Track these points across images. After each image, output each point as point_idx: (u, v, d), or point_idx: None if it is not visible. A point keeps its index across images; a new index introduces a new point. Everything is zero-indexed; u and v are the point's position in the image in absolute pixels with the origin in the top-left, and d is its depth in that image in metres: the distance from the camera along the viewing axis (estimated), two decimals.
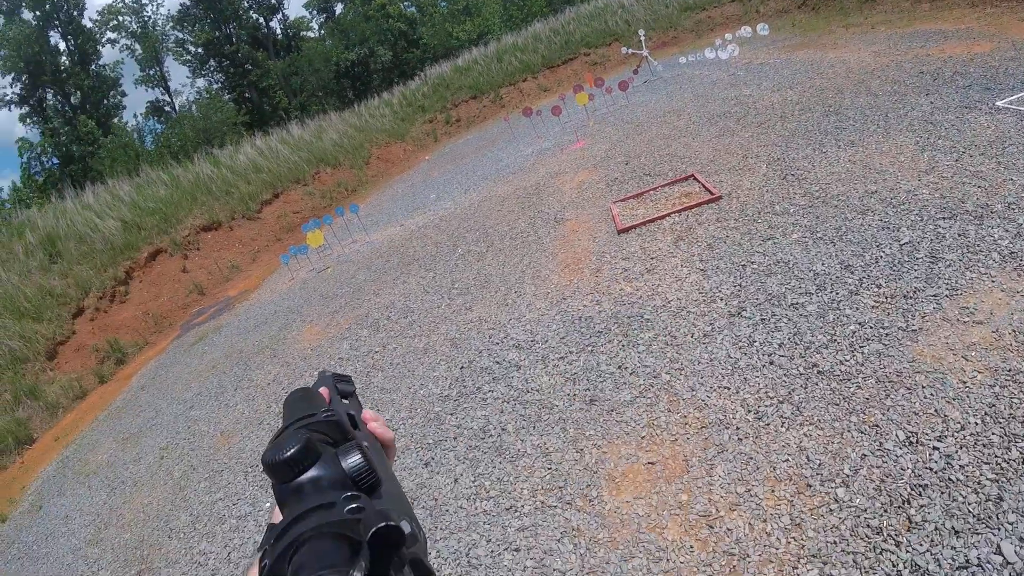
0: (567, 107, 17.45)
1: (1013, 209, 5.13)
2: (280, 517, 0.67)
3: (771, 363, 4.45)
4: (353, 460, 0.67)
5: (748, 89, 12.08)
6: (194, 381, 9.89)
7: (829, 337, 4.46)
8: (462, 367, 6.31)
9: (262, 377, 8.63)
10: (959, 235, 5.04)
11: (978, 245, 4.83)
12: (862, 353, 4.19)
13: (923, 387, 3.75)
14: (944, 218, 5.34)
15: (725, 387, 4.41)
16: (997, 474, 3.09)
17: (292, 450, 0.65)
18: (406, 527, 0.58)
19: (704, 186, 8.01)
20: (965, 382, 3.68)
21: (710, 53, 16.94)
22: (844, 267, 5.18)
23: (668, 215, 7.64)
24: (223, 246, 18.75)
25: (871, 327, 4.39)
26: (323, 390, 0.88)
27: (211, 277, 17.11)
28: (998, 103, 7.24)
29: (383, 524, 0.56)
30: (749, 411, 4.12)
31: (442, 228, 11.75)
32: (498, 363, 6.03)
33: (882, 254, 5.15)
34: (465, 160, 18.84)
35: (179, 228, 18.57)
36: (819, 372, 4.18)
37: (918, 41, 11.14)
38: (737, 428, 4.03)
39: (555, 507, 4.07)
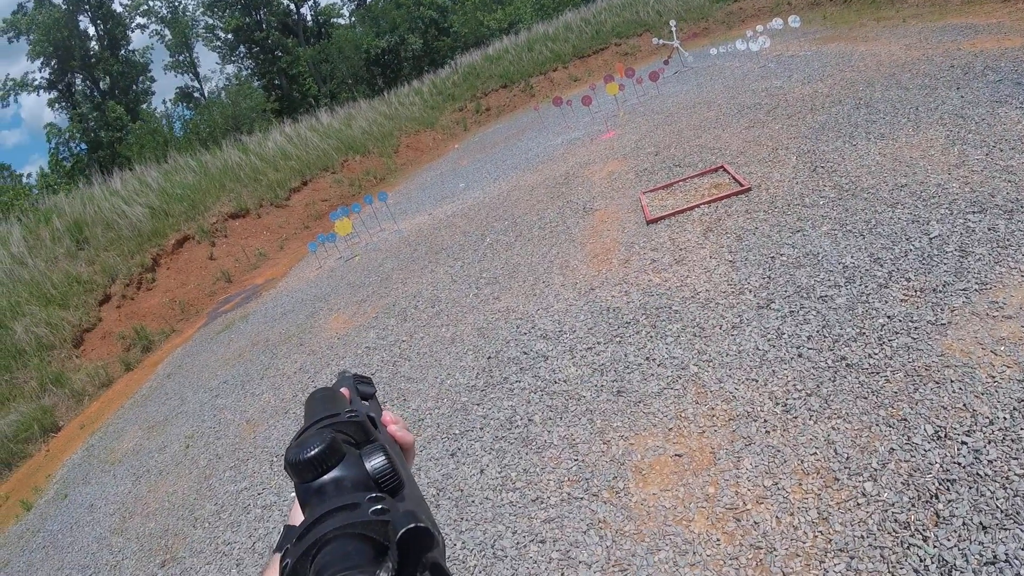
0: (597, 97, 17.41)
1: None
2: (299, 518, 0.71)
3: (799, 355, 4.46)
4: (377, 462, 0.67)
5: (778, 81, 11.99)
6: (220, 369, 10.04)
7: (858, 330, 4.46)
8: (489, 357, 6.37)
9: (288, 366, 8.74)
10: (989, 229, 5.01)
11: (1008, 240, 4.80)
12: (891, 346, 4.20)
13: (952, 381, 3.75)
14: (974, 212, 5.30)
15: (753, 379, 4.43)
16: None
17: (316, 449, 0.65)
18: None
19: (734, 177, 8.00)
20: (994, 376, 3.68)
21: (741, 45, 16.83)
22: (873, 260, 5.17)
23: (697, 206, 7.64)
24: (251, 233, 18.91)
25: (900, 320, 4.39)
26: (344, 390, 0.89)
27: (238, 264, 17.26)
28: None
29: (412, 525, 0.57)
30: (777, 403, 4.14)
31: (471, 217, 11.81)
32: (525, 353, 6.09)
33: (912, 247, 5.13)
34: (495, 149, 18.87)
35: (206, 215, 18.76)
36: (847, 365, 4.19)
37: (949, 35, 11.01)
38: (765, 421, 4.05)
39: (581, 499, 4.11)
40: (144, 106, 45.08)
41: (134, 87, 44.88)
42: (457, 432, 5.44)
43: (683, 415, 4.40)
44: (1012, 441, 3.26)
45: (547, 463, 4.57)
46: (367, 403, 0.91)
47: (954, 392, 3.68)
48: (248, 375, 9.14)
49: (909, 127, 7.50)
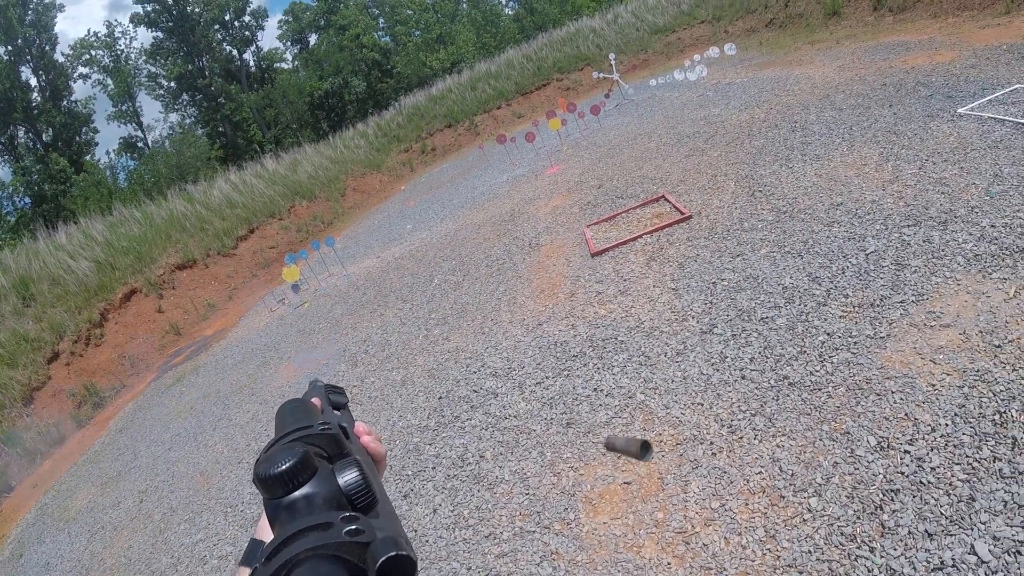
0: (540, 133, 17.53)
1: (976, 213, 5.23)
2: (266, 532, 0.68)
3: (743, 377, 4.48)
4: (350, 477, 0.65)
5: (716, 109, 12.20)
6: (172, 422, 9.80)
7: (799, 349, 4.51)
8: (440, 397, 6.30)
9: (240, 416, 8.58)
10: (924, 241, 5.13)
11: (943, 250, 4.92)
12: (831, 363, 4.24)
13: (893, 392, 3.80)
14: (909, 225, 5.43)
15: (699, 403, 4.44)
16: (968, 474, 3.14)
17: (287, 464, 0.63)
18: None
19: (675, 206, 8.09)
20: (934, 385, 3.74)
21: (679, 75, 17.02)
22: (812, 279, 5.25)
23: (640, 236, 7.71)
24: (199, 284, 18.53)
25: (840, 337, 4.45)
26: (315, 400, 0.86)
27: (187, 316, 16.90)
28: (960, 110, 7.38)
29: (394, 554, 0.55)
30: (722, 425, 4.14)
31: (418, 258, 11.75)
32: (475, 391, 6.03)
33: (849, 264, 5.22)
34: (441, 189, 18.86)
35: (153, 267, 18.33)
36: (790, 384, 4.22)
37: (881, 54, 11.32)
38: (711, 443, 4.05)
39: (533, 532, 4.06)
40: (88, 157, 44.13)
41: (77, 138, 43.95)
42: (410, 473, 5.35)
43: None
44: (954, 447, 3.30)
45: (499, 499, 4.51)
46: (339, 413, 0.88)
47: (895, 403, 3.72)
48: (201, 427, 8.95)
49: (844, 147, 7.68)
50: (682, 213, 7.72)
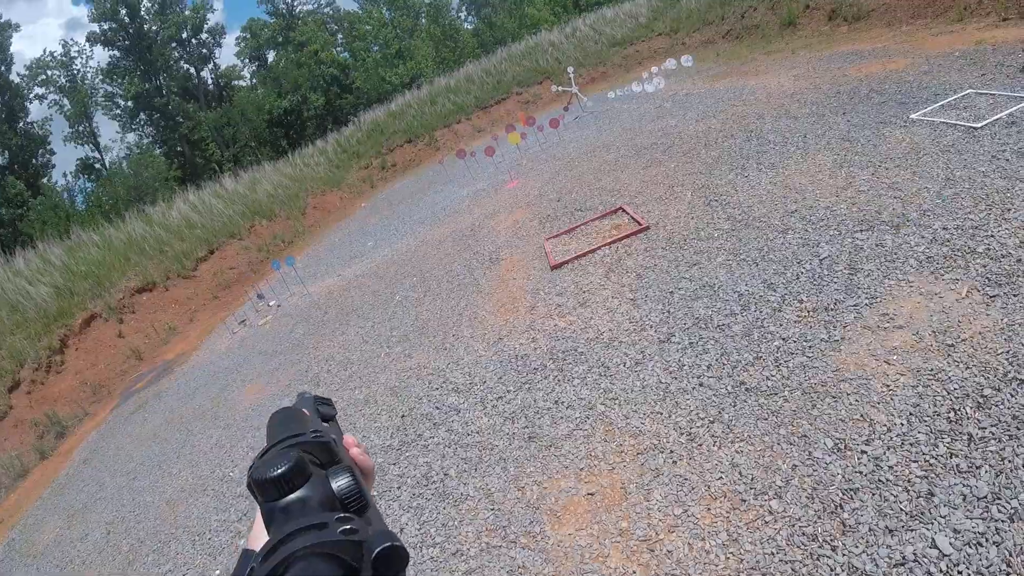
0: (500, 147, 17.54)
1: (928, 216, 5.33)
2: (258, 542, 0.67)
3: (701, 385, 4.51)
4: (344, 482, 0.67)
5: (673, 120, 12.30)
6: (136, 450, 9.57)
7: (755, 355, 4.55)
8: (403, 415, 6.24)
9: (204, 442, 8.42)
10: (876, 245, 5.21)
11: (895, 253, 5.01)
12: (787, 367, 4.28)
13: (848, 395, 3.85)
14: (862, 230, 5.51)
15: (658, 412, 4.45)
16: (926, 471, 3.18)
17: (282, 468, 0.65)
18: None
19: (633, 217, 8.14)
20: (888, 385, 3.79)
21: (637, 87, 17.21)
22: (767, 286, 5.32)
23: (599, 248, 7.74)
24: (159, 307, 18.11)
25: (795, 341, 4.50)
26: (303, 411, 0.87)
27: (148, 341, 16.50)
28: (912, 116, 7.53)
29: (389, 544, 0.58)
30: (682, 433, 4.16)
31: (380, 275, 11.67)
32: (438, 408, 5.99)
33: (803, 270, 5.29)
34: (402, 205, 18.74)
35: (113, 291, 17.90)
36: (747, 389, 4.25)
37: (836, 63, 11.49)
38: (671, 451, 4.06)
39: (500, 547, 4.03)
40: (45, 180, 43.23)
41: (34, 161, 43.07)
42: (375, 494, 5.20)
43: (593, 454, 4.38)
44: (911, 445, 3.35)
45: (465, 515, 4.47)
46: (327, 425, 0.91)
47: (851, 404, 3.77)
48: (165, 454, 8.76)
49: (798, 155, 7.79)
50: (640, 224, 7.77)
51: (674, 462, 3.98)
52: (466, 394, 5.98)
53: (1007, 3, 10.36)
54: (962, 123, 6.86)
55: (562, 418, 4.91)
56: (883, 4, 13.96)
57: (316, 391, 7.90)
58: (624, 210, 8.57)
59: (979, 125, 6.66)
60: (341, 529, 0.59)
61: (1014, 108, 6.77)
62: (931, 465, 3.21)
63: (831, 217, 5.95)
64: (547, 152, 15.12)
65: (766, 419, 3.95)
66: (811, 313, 4.73)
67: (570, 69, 20.63)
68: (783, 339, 4.58)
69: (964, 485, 3.04)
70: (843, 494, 3.27)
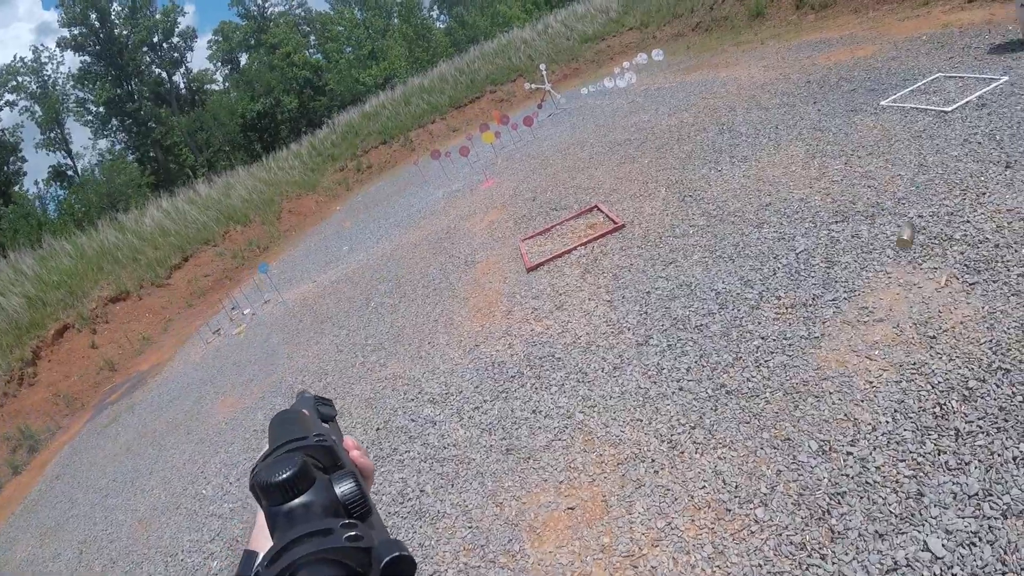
0: (475, 147, 17.42)
1: (903, 204, 5.26)
2: (259, 542, 0.70)
3: (680, 389, 4.40)
4: (347, 488, 0.67)
5: (646, 115, 12.22)
6: (109, 466, 9.38)
7: (734, 355, 4.45)
8: (378, 428, 6.08)
9: (177, 457, 8.24)
10: (852, 236, 5.13)
11: (872, 244, 4.93)
12: (767, 367, 4.18)
13: (830, 393, 3.75)
14: (837, 222, 5.43)
15: (638, 419, 4.33)
16: (914, 470, 3.09)
17: (287, 473, 0.65)
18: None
19: (608, 216, 8.03)
20: (871, 382, 3.70)
21: (609, 83, 17.14)
22: (744, 283, 5.21)
23: (574, 249, 7.62)
24: (133, 317, 17.86)
25: (774, 340, 4.40)
26: (304, 412, 0.85)
27: (122, 351, 16.25)
28: (882, 103, 7.49)
29: (398, 554, 0.58)
30: (663, 441, 4.04)
31: (355, 281, 11.50)
32: (413, 421, 5.83)
33: (779, 265, 5.20)
34: (377, 208, 18.55)
35: (86, 301, 17.68)
36: (727, 392, 4.15)
37: (804, 52, 11.47)
38: (652, 460, 3.94)
39: (478, 567, 3.90)
40: (16, 188, 42.48)
41: (5, 168, 42.32)
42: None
43: (572, 466, 4.25)
44: (897, 444, 3.25)
45: (442, 534, 4.33)
46: (327, 426, 0.91)
47: (834, 403, 3.67)
48: (137, 470, 8.58)
49: (770, 146, 7.72)
50: (615, 223, 7.66)
51: (656, 472, 3.85)
52: (442, 405, 5.83)
53: None
54: (932, 108, 6.81)
55: (540, 428, 4.78)
56: None
57: (289, 404, 7.71)
58: (599, 208, 8.46)
59: (949, 109, 6.62)
60: (346, 536, 0.59)
61: (983, 90, 6.74)
62: (919, 464, 3.11)
63: (806, 209, 5.87)
64: (521, 151, 15.00)
65: (748, 423, 3.84)
66: (790, 310, 4.63)
67: (542, 66, 20.48)
68: (762, 338, 4.47)
69: (954, 483, 2.95)
70: (830, 499, 3.17)
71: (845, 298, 4.47)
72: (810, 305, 4.57)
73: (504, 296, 7.42)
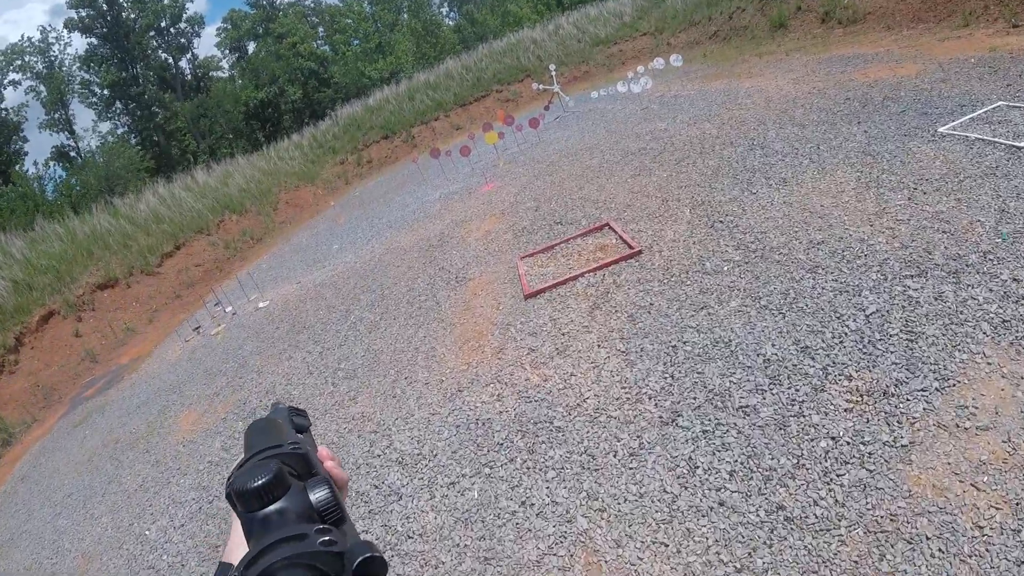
0: (476, 147, 16.54)
1: (990, 260, 4.22)
2: (235, 553, 0.68)
3: (721, 503, 3.27)
4: (322, 494, 0.68)
5: (663, 123, 11.32)
6: (69, 476, 8.63)
7: (795, 460, 3.33)
8: None
9: (131, 480, 7.40)
10: (935, 299, 4.06)
11: (961, 312, 3.86)
12: (840, 485, 3.09)
13: (928, 539, 2.69)
14: (912, 276, 4.37)
15: (661, 543, 3.20)
16: None
17: (263, 479, 0.66)
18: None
19: (621, 237, 6.94)
20: (980, 527, 2.64)
21: (622, 87, 16.54)
22: (801, 349, 4.09)
23: (581, 275, 6.51)
24: (119, 305, 17.20)
25: (848, 442, 3.30)
26: (278, 421, 0.87)
27: (105, 341, 15.59)
28: (940, 129, 6.62)
29: (369, 555, 0.59)
30: None
31: (339, 287, 10.51)
32: (377, 488, 4.72)
33: (846, 330, 4.09)
34: (373, 205, 17.71)
35: (73, 287, 17.00)
36: (787, 519, 3.04)
37: (837, 66, 10.75)
38: None
39: None
40: (17, 168, 41.47)
41: (7, 148, 41.33)
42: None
43: None
44: None
45: None
46: (302, 436, 0.89)
47: (933, 557, 2.62)
48: (92, 489, 7.77)
49: (813, 169, 6.76)
50: (630, 247, 6.57)
51: None
52: (412, 470, 4.71)
53: (1016, 9, 9.92)
54: (1001, 140, 5.89)
55: (531, 532, 3.65)
56: (880, 7, 13.58)
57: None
58: (611, 227, 7.40)
59: (1023, 144, 5.67)
60: (320, 540, 0.60)
61: None
62: None
63: (869, 254, 4.80)
64: (526, 154, 14.08)
65: (816, 573, 2.75)
66: (865, 397, 3.52)
67: (552, 67, 19.62)
68: (832, 438, 3.35)
69: None
70: None
71: (937, 389, 3.39)
72: (892, 394, 3.47)
73: (496, 327, 6.32)
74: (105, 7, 43.86)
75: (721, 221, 6.36)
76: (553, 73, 19.31)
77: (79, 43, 64.78)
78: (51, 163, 45.57)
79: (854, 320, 4.13)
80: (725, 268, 5.44)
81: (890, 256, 4.67)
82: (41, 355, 15.08)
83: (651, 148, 10.01)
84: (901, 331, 3.89)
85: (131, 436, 8.83)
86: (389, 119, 28.47)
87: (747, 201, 6.59)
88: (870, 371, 3.69)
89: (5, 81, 42.90)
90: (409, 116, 28.08)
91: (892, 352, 3.75)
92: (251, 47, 51.56)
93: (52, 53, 44.85)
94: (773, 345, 4.23)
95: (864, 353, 3.83)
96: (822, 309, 4.38)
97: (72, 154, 46.06)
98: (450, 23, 52.85)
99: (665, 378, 4.41)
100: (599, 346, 5.15)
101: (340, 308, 9.33)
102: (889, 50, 10.73)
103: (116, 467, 8.03)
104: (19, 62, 43.34)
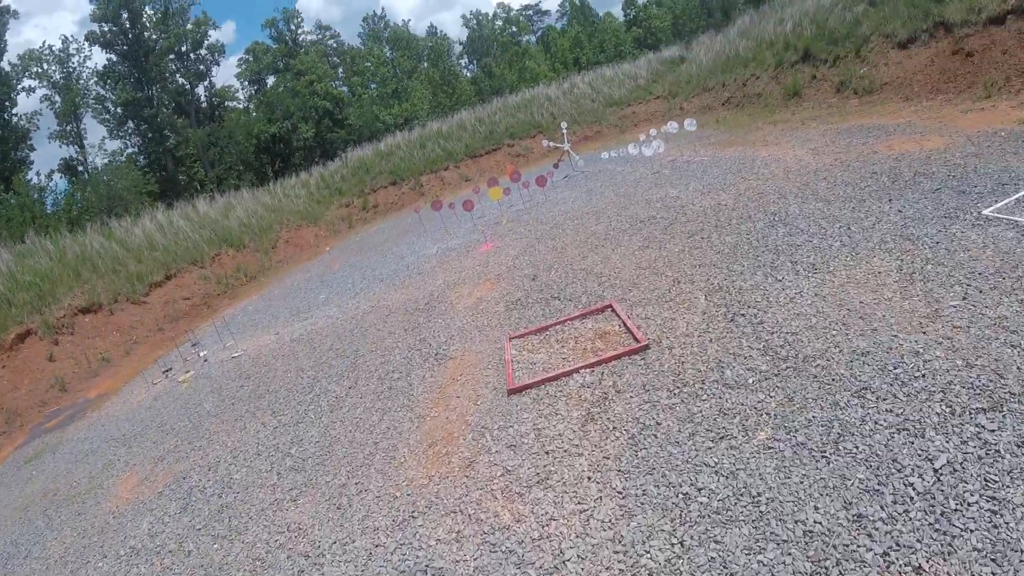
0: (480, 202, 15.81)
1: None
2: None
3: None
4: None
5: (675, 190, 10.60)
6: (2, 525, 7.81)
7: None
8: None
9: (55, 548, 6.52)
10: (1018, 445, 3.09)
11: None
12: None
13: None
14: (984, 409, 3.43)
15: None
16: None
17: None
18: None
19: (625, 324, 5.99)
20: None
21: (633, 149, 16.12)
22: (854, 519, 3.06)
23: (576, 371, 5.53)
24: (99, 332, 16.39)
25: None
26: None
27: (78, 369, 14.79)
28: (985, 212, 5.91)
29: None
30: None
31: (314, 346, 9.62)
32: None
33: (911, 491, 3.08)
34: (370, 253, 16.99)
35: (55, 308, 16.24)
36: None
37: (858, 137, 10.24)
38: None
39: None
40: (18, 176, 40.86)
41: (13, 155, 40.78)
42: None
43: None
44: None
45: None
46: None
47: None
48: (17, 547, 6.96)
49: (845, 254, 5.96)
50: (636, 339, 5.61)
51: None
52: None
53: None
54: None
55: None
56: (897, 78, 13.53)
57: (179, 520, 5.87)
58: (614, 309, 6.49)
59: None
60: None
61: None
62: None
63: (928, 374, 3.85)
64: (530, 213, 13.34)
65: None
66: None
67: (564, 125, 19.14)
68: None
69: None
70: None
71: None
72: None
73: (471, 428, 5.31)
74: (128, 24, 43.90)
75: (743, 314, 5.43)
76: (565, 131, 18.84)
77: (99, 57, 65.22)
78: (54, 175, 44.98)
79: (921, 478, 3.12)
80: (750, 381, 4.45)
81: (954, 379, 3.72)
82: (11, 376, 14.33)
83: (662, 217, 9.25)
84: (980, 492, 2.91)
85: (70, 490, 8.06)
86: (399, 165, 28.20)
87: (772, 290, 5.68)
88: (945, 559, 2.69)
89: (18, 87, 42.39)
90: (419, 163, 27.81)
91: (972, 532, 2.77)
92: (270, 81, 51.75)
93: (71, 64, 44.59)
94: (816, 508, 3.18)
95: (937, 531, 2.84)
96: (877, 455, 3.37)
97: (79, 168, 45.55)
98: (468, 74, 53.33)
99: (672, 545, 3.34)
100: (590, 479, 4.11)
101: (309, 373, 8.43)
102: (910, 121, 10.28)
103: (47, 525, 7.25)
104: (36, 69, 42.95)
